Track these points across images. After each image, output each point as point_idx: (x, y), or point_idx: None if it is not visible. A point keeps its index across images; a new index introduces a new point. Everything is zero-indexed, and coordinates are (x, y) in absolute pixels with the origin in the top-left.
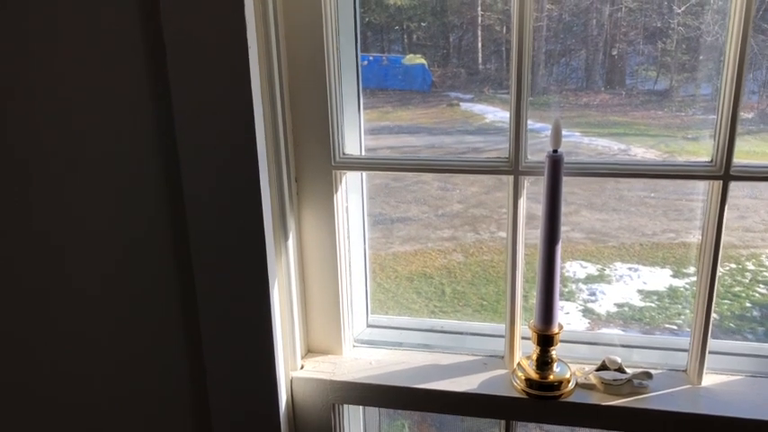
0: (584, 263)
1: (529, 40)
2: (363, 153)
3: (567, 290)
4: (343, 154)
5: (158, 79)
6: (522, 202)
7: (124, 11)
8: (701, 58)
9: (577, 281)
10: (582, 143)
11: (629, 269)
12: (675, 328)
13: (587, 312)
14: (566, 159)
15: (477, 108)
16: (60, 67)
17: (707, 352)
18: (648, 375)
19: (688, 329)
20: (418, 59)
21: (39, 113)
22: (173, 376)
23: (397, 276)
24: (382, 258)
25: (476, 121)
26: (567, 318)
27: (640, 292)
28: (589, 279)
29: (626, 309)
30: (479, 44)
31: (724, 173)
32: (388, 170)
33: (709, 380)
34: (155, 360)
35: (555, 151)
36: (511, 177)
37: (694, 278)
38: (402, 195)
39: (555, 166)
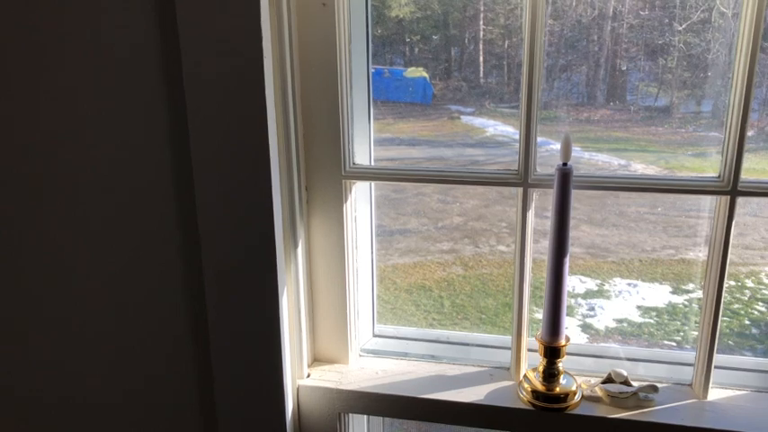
0: (583, 278)
1: (540, 54)
2: (373, 163)
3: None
4: (354, 164)
5: (173, 88)
6: (531, 215)
7: (140, 16)
8: (702, 75)
9: (576, 296)
10: (582, 158)
11: (629, 285)
12: (674, 344)
13: (586, 327)
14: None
15: (478, 121)
16: (75, 76)
17: (713, 366)
18: (654, 389)
19: (687, 346)
20: (420, 72)
21: (50, 122)
22: (181, 383)
23: (395, 288)
24: (381, 270)
25: (476, 135)
26: (565, 332)
27: (639, 307)
28: (588, 294)
29: (625, 324)
30: (481, 58)
31: (732, 188)
32: (397, 180)
33: (714, 394)
34: (163, 366)
35: (564, 164)
36: (520, 189)
37: (693, 295)
38: (402, 207)
39: (564, 179)
